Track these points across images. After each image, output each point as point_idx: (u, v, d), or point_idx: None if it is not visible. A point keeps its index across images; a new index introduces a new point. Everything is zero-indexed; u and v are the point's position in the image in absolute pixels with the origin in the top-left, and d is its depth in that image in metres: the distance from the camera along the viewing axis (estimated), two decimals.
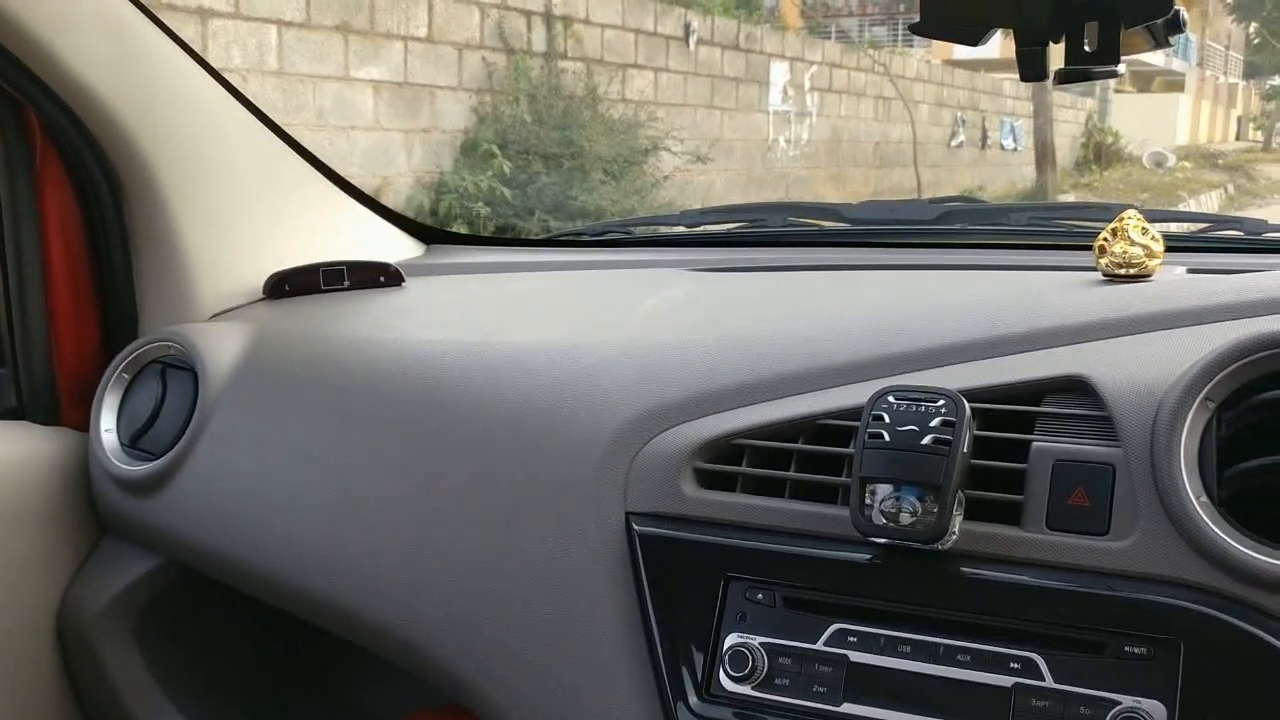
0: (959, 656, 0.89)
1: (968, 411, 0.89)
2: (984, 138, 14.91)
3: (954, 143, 14.02)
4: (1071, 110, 17.53)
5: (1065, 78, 0.76)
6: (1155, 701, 0.83)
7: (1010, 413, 0.94)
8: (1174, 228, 1.46)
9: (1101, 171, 16.19)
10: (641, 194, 7.88)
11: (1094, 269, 1.20)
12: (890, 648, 0.91)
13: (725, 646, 0.95)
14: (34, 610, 1.34)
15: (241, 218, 1.44)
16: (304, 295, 1.46)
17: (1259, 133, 30.47)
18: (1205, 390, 0.87)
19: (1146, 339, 0.99)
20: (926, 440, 0.88)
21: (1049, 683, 0.87)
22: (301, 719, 1.47)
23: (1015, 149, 15.35)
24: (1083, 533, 0.88)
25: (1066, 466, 0.90)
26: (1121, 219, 1.17)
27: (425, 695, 1.34)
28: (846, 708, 0.91)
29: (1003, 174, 14.86)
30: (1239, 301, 1.02)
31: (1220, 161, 19.45)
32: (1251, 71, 34.04)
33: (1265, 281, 1.06)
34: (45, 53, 1.22)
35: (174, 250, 1.38)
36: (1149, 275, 1.17)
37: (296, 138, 1.53)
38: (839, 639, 0.93)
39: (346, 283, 1.48)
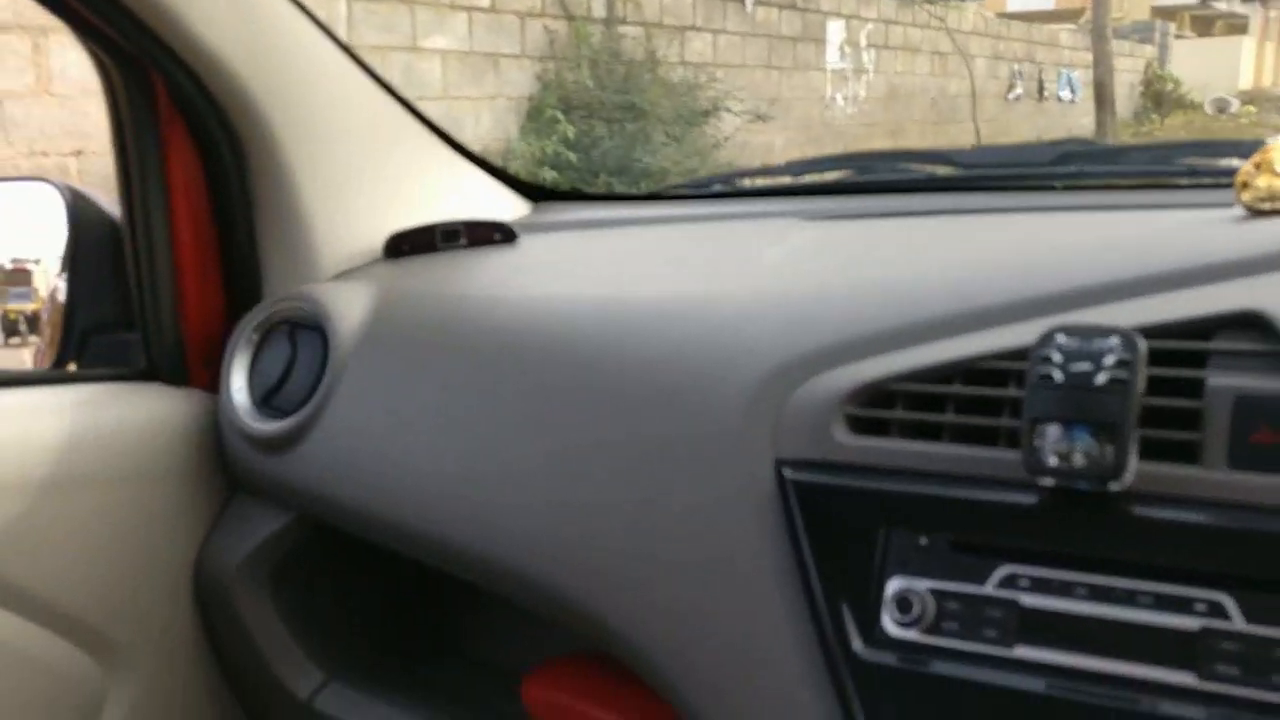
0: (1139, 599, 0.86)
1: (1144, 348, 0.86)
2: (1040, 89, 14.71)
3: (1011, 95, 13.84)
4: (1130, 59, 17.21)
5: None
6: None
7: (1182, 350, 0.90)
8: None
9: (1161, 119, 15.92)
10: (702, 155, 7.89)
11: (1229, 206, 1.17)
12: (1065, 591, 0.88)
13: (889, 592, 0.93)
14: (172, 566, 1.37)
15: (360, 180, 1.46)
16: (421, 254, 1.47)
17: None
18: None
19: None
20: (1101, 378, 0.86)
21: (1239, 625, 0.83)
22: (430, 669, 1.49)
23: (1072, 100, 15.13)
24: (1270, 471, 0.83)
25: (1248, 403, 0.86)
26: (1266, 151, 1.13)
27: (552, 648, 1.35)
28: (1019, 651, 0.89)
29: (1060, 125, 14.66)
30: None
31: None
32: None
33: None
34: (171, 18, 1.23)
35: (296, 213, 1.39)
36: None
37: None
38: (1009, 583, 0.90)
39: (463, 241, 1.49)
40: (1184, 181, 1.45)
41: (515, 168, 6.68)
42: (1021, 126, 13.83)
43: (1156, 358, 0.91)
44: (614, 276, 1.35)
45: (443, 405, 1.23)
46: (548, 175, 6.70)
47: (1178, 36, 20.41)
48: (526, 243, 1.52)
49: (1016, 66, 13.91)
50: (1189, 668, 0.84)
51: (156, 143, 1.36)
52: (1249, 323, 0.90)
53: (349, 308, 1.34)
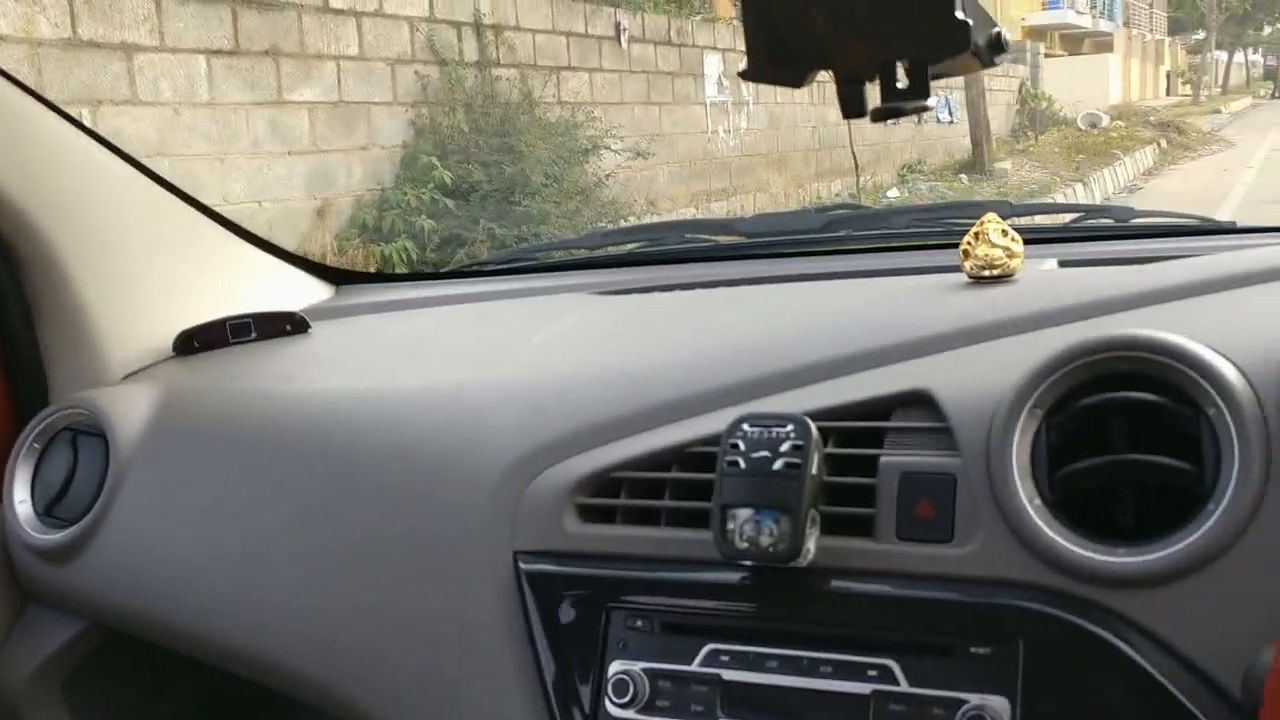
0: (821, 668, 0.94)
1: (815, 434, 0.94)
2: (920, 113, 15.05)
3: (890, 120, 14.13)
4: (1005, 79, 17.68)
5: (880, 115, 0.76)
6: (1000, 697, 0.88)
7: (861, 429, 0.99)
8: (1048, 219, 1.54)
9: (1037, 136, 16.38)
10: (585, 194, 7.92)
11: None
12: (759, 664, 0.96)
13: (609, 674, 1.00)
14: None
15: (144, 277, 1.46)
16: (213, 349, 1.48)
17: (1187, 87, 30.98)
18: (1032, 399, 0.92)
19: (991, 347, 1.05)
20: (778, 465, 0.93)
21: (904, 687, 0.91)
22: None
23: (951, 121, 15.49)
24: (929, 541, 0.93)
25: (912, 478, 0.94)
26: (982, 223, 1.24)
27: None
28: None
29: (940, 146, 15.01)
30: (1081, 304, 1.08)
31: (1152, 118, 19.70)
32: (1175, 28, 34.68)
33: (1108, 280, 1.13)
34: None
35: (79, 317, 1.39)
36: (1012, 275, 1.23)
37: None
38: (712, 659, 0.97)
39: (254, 334, 1.50)
40: (938, 242, 1.53)
41: (391, 218, 6.66)
42: (903, 150, 14.12)
43: (844, 437, 0.99)
44: (388, 366, 1.39)
45: (221, 505, 1.25)
46: (426, 224, 6.66)
47: (1049, 55, 21.04)
48: (319, 331, 1.55)
49: None
50: None
51: None
52: (919, 400, 0.99)
53: (132, 410, 1.34)
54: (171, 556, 1.26)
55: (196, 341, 1.48)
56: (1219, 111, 24.27)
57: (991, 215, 1.25)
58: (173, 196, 1.52)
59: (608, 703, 0.99)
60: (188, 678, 1.44)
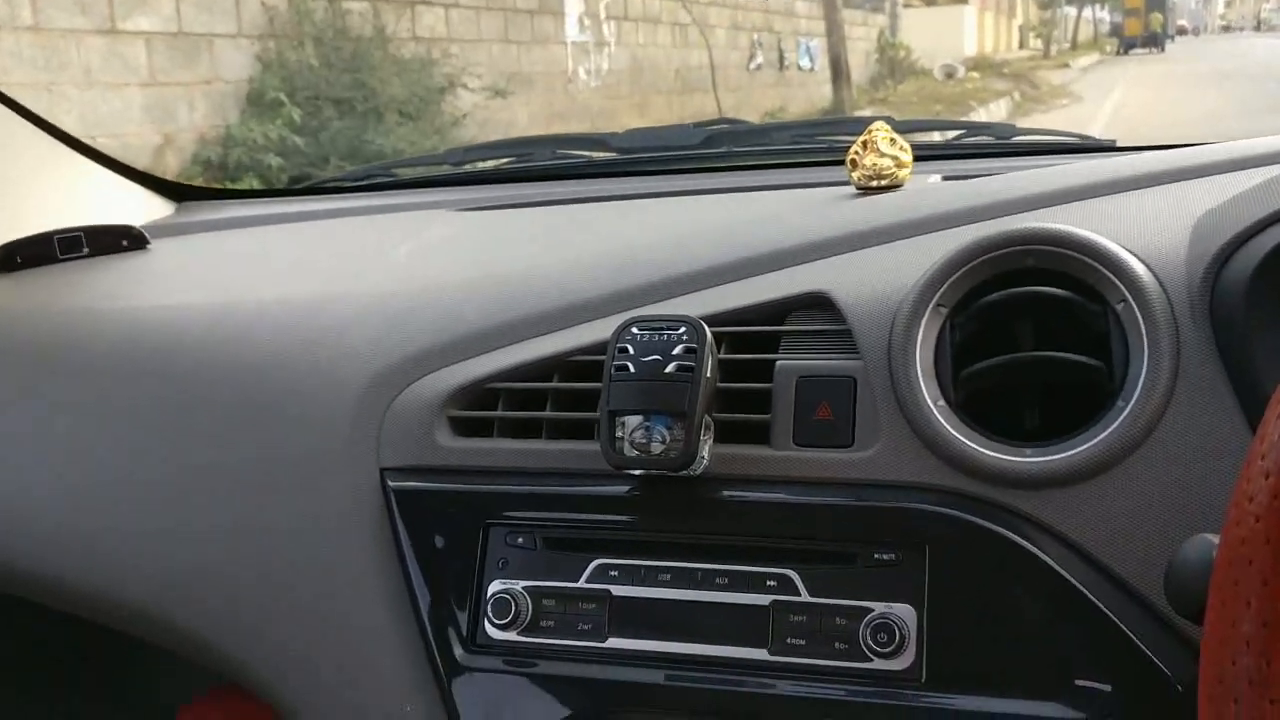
0: (717, 580, 0.90)
1: (709, 336, 0.89)
2: (781, 59, 15.10)
3: (752, 65, 14.16)
4: (863, 28, 17.88)
5: None
6: (905, 605, 0.86)
7: (755, 333, 0.95)
8: (930, 137, 1.51)
9: (896, 86, 16.60)
10: (441, 133, 7.73)
11: (850, 183, 1.22)
12: (650, 578, 0.92)
13: (488, 594, 0.95)
14: None
15: None
16: (40, 266, 1.37)
17: (1039, 41, 31.91)
18: (936, 296, 0.89)
19: (888, 249, 1.01)
20: (670, 368, 0.88)
21: (805, 597, 0.88)
22: (84, 714, 1.41)
23: (812, 68, 15.61)
24: (829, 446, 0.89)
25: (809, 382, 0.91)
26: (870, 131, 1.20)
27: (209, 678, 1.31)
28: (612, 643, 0.92)
29: (801, 93, 15.10)
30: (975, 206, 1.04)
31: (1006, 70, 20.20)
32: None
33: (1001, 184, 1.09)
34: None
35: None
36: (900, 185, 1.20)
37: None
38: (600, 574, 0.93)
39: (86, 249, 1.39)
40: (821, 159, 1.50)
41: (237, 155, 6.36)
42: (767, 95, 14.16)
43: (738, 343, 0.95)
44: (235, 282, 1.30)
45: (51, 434, 1.15)
46: (274, 162, 6.39)
47: (906, 6, 21.36)
48: (159, 248, 1.45)
49: (756, 36, 14.22)
50: (762, 644, 0.89)
51: None
52: (816, 303, 0.95)
53: None
54: None
55: (20, 257, 1.38)
56: (1068, 66, 24.93)
57: (880, 124, 1.21)
58: None
59: (487, 624, 0.94)
60: (24, 623, 1.36)
